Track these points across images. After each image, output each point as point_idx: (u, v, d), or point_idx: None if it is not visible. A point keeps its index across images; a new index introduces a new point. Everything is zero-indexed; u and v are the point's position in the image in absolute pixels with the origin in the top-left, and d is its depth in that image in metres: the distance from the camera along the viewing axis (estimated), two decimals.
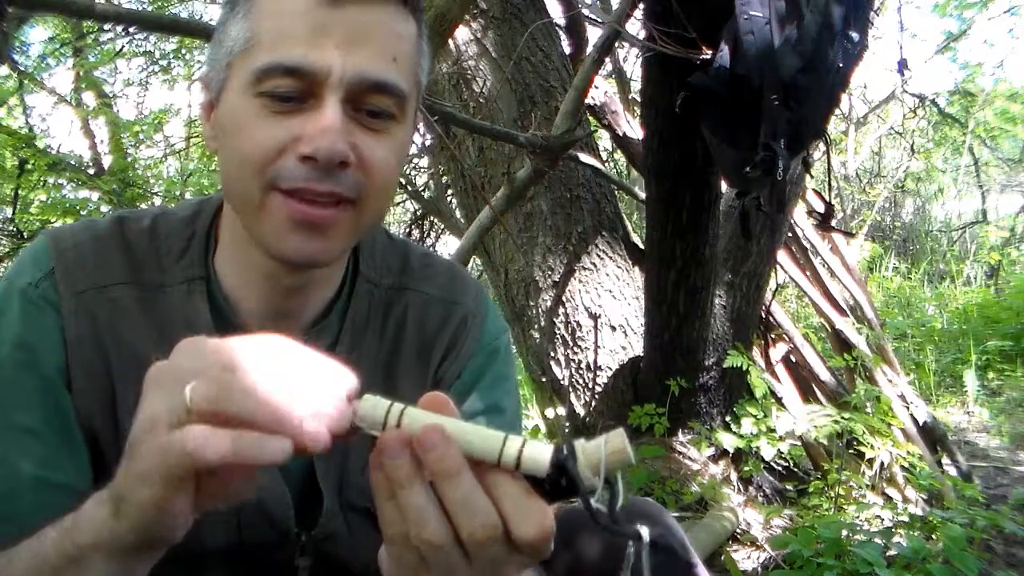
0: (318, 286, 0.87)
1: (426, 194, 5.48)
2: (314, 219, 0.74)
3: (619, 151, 4.14)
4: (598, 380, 2.85)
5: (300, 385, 0.55)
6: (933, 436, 2.91)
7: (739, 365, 2.63)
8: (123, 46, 6.10)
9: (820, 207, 3.03)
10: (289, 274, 0.83)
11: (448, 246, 6.47)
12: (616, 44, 2.88)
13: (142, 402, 0.57)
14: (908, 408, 2.88)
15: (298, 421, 0.54)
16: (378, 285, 0.92)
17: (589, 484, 0.53)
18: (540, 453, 0.54)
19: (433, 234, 5.78)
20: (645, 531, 0.55)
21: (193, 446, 0.52)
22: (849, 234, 6.30)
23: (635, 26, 2.56)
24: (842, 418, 2.60)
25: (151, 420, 0.55)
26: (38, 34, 6.69)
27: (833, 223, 2.63)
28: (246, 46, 0.74)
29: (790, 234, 3.08)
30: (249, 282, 0.85)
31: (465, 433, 0.55)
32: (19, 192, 5.72)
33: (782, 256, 3.01)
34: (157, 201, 5.88)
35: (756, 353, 2.92)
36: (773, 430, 2.64)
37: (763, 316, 2.97)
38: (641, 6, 2.14)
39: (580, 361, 2.88)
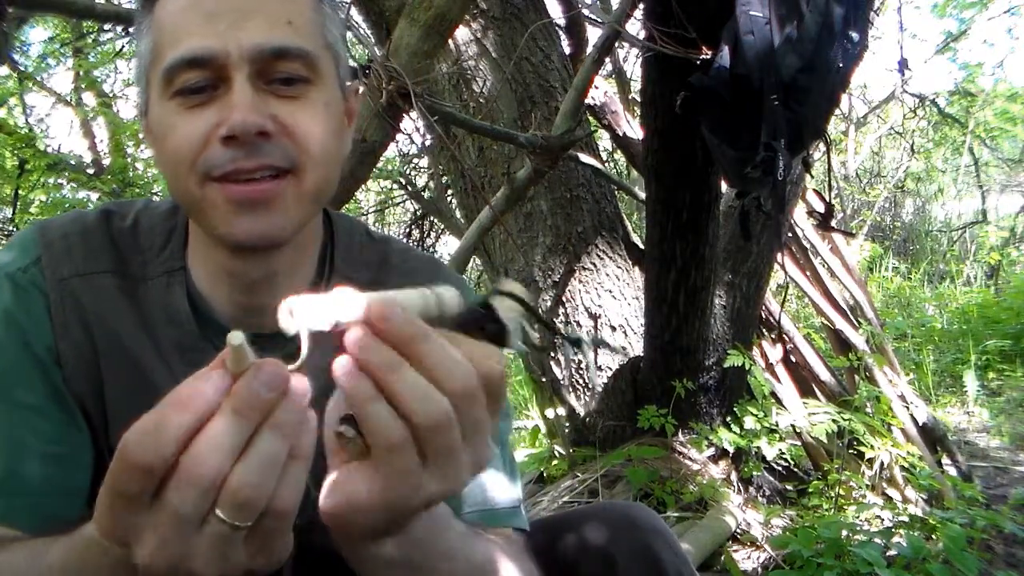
0: (283, 279, 0.86)
1: (426, 194, 5.48)
2: (254, 195, 0.75)
3: (619, 151, 4.14)
4: (598, 380, 2.85)
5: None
6: (933, 436, 2.91)
7: (739, 365, 2.63)
8: (123, 46, 6.10)
9: (820, 207, 3.03)
10: (249, 269, 0.83)
11: (448, 246, 6.47)
12: (616, 44, 2.88)
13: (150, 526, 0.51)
14: (908, 408, 2.88)
15: (290, 425, 0.51)
16: (354, 280, 0.92)
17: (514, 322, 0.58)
18: (451, 294, 0.57)
19: (433, 234, 5.78)
20: (584, 333, 0.60)
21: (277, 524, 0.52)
22: (849, 234, 6.30)
23: (635, 26, 2.56)
24: (842, 418, 2.60)
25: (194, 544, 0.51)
26: (38, 34, 6.69)
27: (833, 223, 2.63)
28: (152, 55, 0.77)
29: (790, 234, 3.08)
30: (216, 280, 0.86)
31: (396, 299, 0.54)
32: (19, 192, 5.72)
33: (782, 256, 3.01)
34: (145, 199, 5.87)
35: (756, 353, 2.92)
36: (774, 430, 2.64)
37: (763, 316, 2.97)
38: (641, 6, 2.14)
39: (580, 361, 2.88)
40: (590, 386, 2.86)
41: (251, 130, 0.72)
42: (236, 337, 0.49)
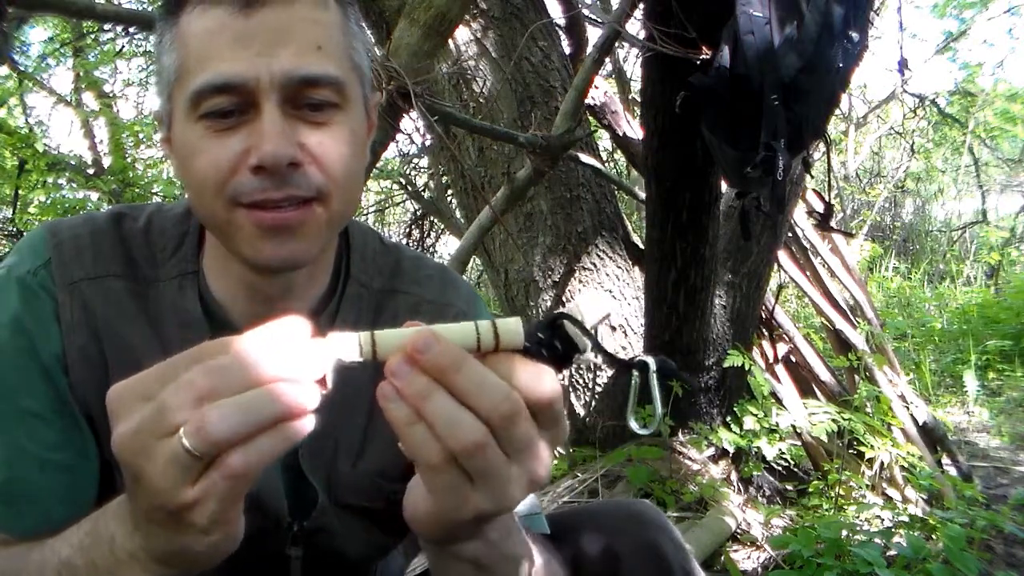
0: (300, 292, 0.87)
1: (426, 194, 5.48)
2: (281, 223, 0.74)
3: (619, 151, 4.15)
4: (598, 380, 2.85)
5: (253, 369, 0.52)
6: (933, 436, 2.91)
7: (739, 365, 2.63)
8: (123, 46, 6.10)
9: (820, 207, 3.03)
10: (268, 283, 0.83)
11: (448, 246, 6.47)
12: (616, 44, 2.88)
13: (143, 481, 0.54)
14: (908, 408, 2.88)
15: (286, 397, 0.52)
16: (368, 288, 0.92)
17: (581, 343, 0.58)
18: (512, 324, 0.57)
19: (433, 234, 5.79)
20: (651, 359, 0.61)
21: (232, 475, 0.52)
22: (849, 234, 6.30)
23: (635, 26, 2.56)
24: (842, 418, 2.60)
25: (173, 498, 0.53)
26: (38, 34, 6.69)
27: (833, 223, 2.63)
28: (178, 74, 0.76)
29: (790, 234, 3.08)
30: (232, 289, 0.86)
31: (442, 332, 0.56)
32: (19, 192, 5.72)
33: (782, 256, 3.01)
34: (158, 200, 5.87)
35: (756, 353, 2.92)
36: (774, 430, 2.64)
37: (763, 316, 2.97)
38: (641, 6, 2.14)
39: (580, 361, 2.87)
40: (590, 369, 2.86)
41: (282, 162, 0.72)
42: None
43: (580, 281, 2.87)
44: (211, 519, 0.54)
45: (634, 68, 4.32)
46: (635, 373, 0.61)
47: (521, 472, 0.56)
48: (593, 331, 0.60)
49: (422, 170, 5.70)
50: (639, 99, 2.61)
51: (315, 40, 0.75)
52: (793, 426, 2.69)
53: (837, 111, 4.83)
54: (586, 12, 3.05)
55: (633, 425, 0.62)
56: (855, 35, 1.64)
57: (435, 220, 5.44)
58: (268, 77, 0.72)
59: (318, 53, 0.74)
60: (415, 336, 0.54)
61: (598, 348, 0.59)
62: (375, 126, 0.88)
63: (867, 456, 2.66)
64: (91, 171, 6.25)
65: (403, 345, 0.54)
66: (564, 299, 2.87)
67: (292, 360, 0.53)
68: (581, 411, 2.88)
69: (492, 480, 0.55)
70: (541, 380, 0.56)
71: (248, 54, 0.72)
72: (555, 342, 0.59)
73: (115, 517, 0.63)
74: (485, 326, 0.56)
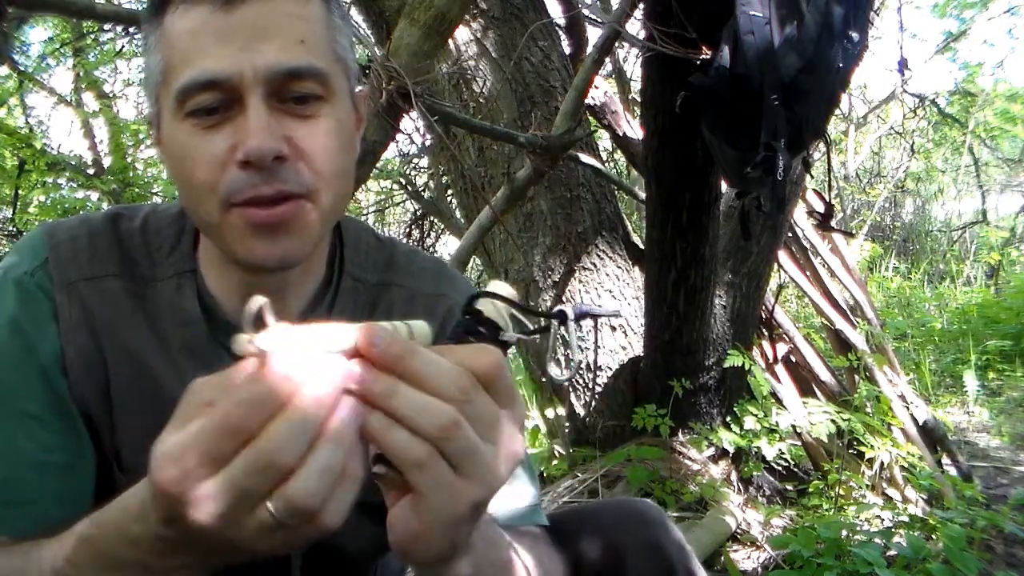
0: (295, 288, 0.87)
1: (426, 194, 5.48)
2: (273, 220, 0.74)
3: (619, 151, 4.14)
4: (598, 380, 2.85)
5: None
6: (933, 436, 2.91)
7: (739, 365, 2.63)
8: (123, 46, 6.10)
9: (820, 207, 3.03)
10: (263, 282, 0.83)
11: (448, 246, 6.47)
12: (616, 44, 2.88)
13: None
14: (908, 408, 2.88)
15: (349, 436, 0.51)
16: (363, 282, 0.93)
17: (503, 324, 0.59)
18: (423, 324, 0.57)
19: (433, 234, 5.78)
20: (568, 308, 0.63)
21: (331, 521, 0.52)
22: (849, 234, 6.30)
23: (635, 26, 2.56)
24: (842, 418, 2.60)
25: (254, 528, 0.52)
26: (38, 34, 6.69)
27: (833, 223, 2.63)
28: (163, 74, 0.76)
29: (790, 234, 3.08)
30: (228, 288, 0.86)
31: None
32: (19, 192, 5.72)
33: (782, 256, 3.01)
34: (157, 201, 5.87)
35: (756, 353, 2.92)
36: (774, 430, 2.64)
37: (763, 316, 2.97)
38: (641, 6, 2.14)
39: (580, 361, 2.88)
40: (590, 369, 2.86)
41: (267, 156, 0.72)
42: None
43: (580, 281, 2.86)
44: (291, 547, 0.54)
45: (634, 68, 4.33)
46: (555, 323, 0.63)
47: (496, 447, 0.55)
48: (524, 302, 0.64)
49: (422, 170, 5.70)
50: (639, 99, 2.61)
51: (298, 34, 0.75)
52: (793, 426, 2.69)
53: (837, 111, 4.84)
54: (586, 12, 3.05)
55: (553, 372, 0.64)
56: (855, 35, 1.64)
57: (435, 220, 5.44)
58: (252, 72, 0.72)
59: (301, 47, 0.74)
60: (363, 331, 0.52)
61: (523, 312, 0.60)
62: (364, 119, 0.88)
63: (867, 456, 2.66)
64: (91, 171, 6.26)
65: (350, 345, 0.52)
66: (564, 299, 2.87)
67: (327, 379, 0.50)
68: (581, 411, 2.88)
69: (474, 460, 0.54)
70: (479, 353, 0.55)
71: (231, 50, 0.72)
72: (479, 328, 0.58)
73: (135, 546, 0.59)
74: (399, 326, 0.56)
